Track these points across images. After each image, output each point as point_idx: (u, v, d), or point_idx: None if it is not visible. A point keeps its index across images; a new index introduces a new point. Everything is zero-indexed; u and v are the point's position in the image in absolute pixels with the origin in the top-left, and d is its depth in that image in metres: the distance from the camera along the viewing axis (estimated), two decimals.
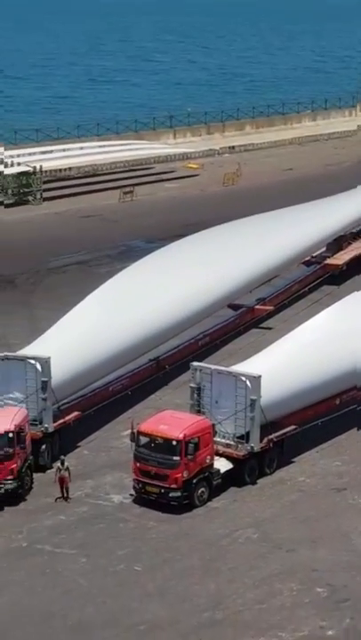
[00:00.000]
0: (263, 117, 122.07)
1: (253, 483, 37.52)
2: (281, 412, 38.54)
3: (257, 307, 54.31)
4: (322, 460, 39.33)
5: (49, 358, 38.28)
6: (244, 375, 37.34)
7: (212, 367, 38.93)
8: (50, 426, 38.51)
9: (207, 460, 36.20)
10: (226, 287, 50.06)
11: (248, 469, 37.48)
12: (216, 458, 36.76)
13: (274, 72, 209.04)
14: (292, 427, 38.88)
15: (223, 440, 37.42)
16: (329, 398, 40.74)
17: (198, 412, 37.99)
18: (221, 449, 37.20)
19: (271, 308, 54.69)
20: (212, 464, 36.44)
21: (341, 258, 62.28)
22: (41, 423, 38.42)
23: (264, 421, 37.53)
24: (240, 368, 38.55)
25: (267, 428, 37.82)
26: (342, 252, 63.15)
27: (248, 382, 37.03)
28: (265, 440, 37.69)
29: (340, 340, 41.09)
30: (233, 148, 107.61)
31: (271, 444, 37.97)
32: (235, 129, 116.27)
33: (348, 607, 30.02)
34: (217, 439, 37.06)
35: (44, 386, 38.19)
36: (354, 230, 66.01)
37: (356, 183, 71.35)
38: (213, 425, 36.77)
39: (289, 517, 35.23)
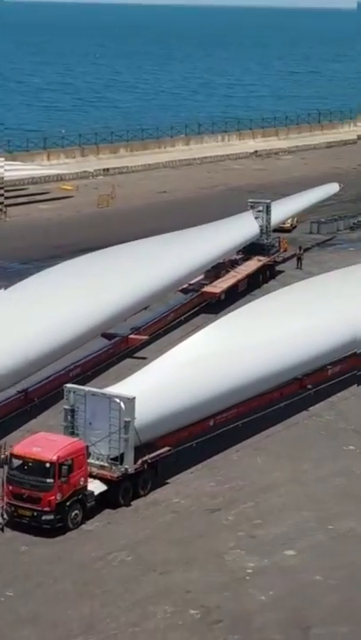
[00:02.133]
0: (137, 140, 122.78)
1: (128, 504, 37.31)
2: (155, 433, 38.47)
3: (131, 336, 53.06)
4: (196, 481, 39.37)
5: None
6: (117, 397, 37.18)
7: (86, 389, 38.66)
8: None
9: (81, 482, 35.88)
10: (99, 315, 48.83)
11: (122, 491, 37.26)
12: (90, 480, 36.47)
13: (144, 97, 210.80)
14: (167, 448, 38.84)
15: (97, 462, 37.16)
16: (203, 419, 40.86)
17: (72, 433, 37.64)
18: (95, 471, 36.92)
19: (146, 337, 53.64)
20: (85, 486, 36.13)
21: (219, 286, 61.45)
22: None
23: (138, 443, 37.40)
24: (114, 390, 38.38)
25: (141, 449, 37.69)
26: (220, 280, 62.31)
27: (122, 404, 36.87)
28: (139, 461, 37.56)
29: (215, 360, 41.26)
30: (107, 170, 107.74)
31: (145, 466, 37.84)
32: (109, 151, 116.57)
33: (220, 628, 30.03)
34: (91, 461, 36.78)
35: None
36: (232, 258, 65.83)
37: (229, 207, 72.23)
38: (87, 447, 36.48)
39: (163, 539, 35.12)
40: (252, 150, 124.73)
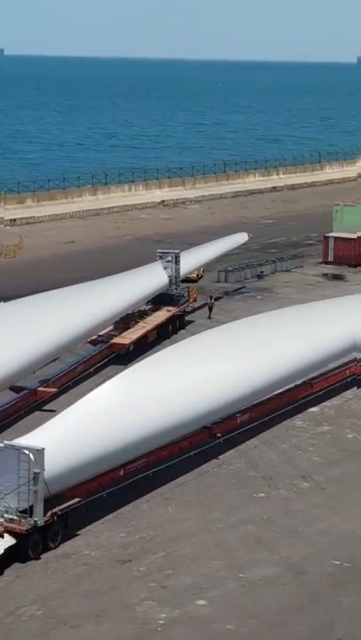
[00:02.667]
0: (44, 191, 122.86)
1: (37, 557, 36.85)
2: (65, 484, 38.16)
3: (40, 389, 52.06)
4: (106, 532, 39.09)
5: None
6: (26, 448, 36.81)
7: None
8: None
9: None
10: (7, 369, 48.12)
11: (32, 544, 36.80)
12: None
13: (49, 148, 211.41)
14: (77, 499, 38.53)
15: (6, 515, 36.67)
16: (113, 469, 40.67)
17: None
18: (4, 524, 36.42)
19: (55, 390, 52.93)
20: None
21: (128, 337, 61.12)
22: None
23: (48, 494, 37.05)
24: (22, 441, 38.00)
25: (50, 500, 37.33)
26: (129, 331, 61.94)
27: (31, 455, 36.51)
28: (49, 513, 37.18)
29: (123, 410, 41.18)
30: (14, 220, 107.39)
31: (55, 518, 37.47)
32: (15, 202, 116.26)
33: None
34: None
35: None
36: (142, 308, 65.53)
37: (137, 257, 72.50)
38: None
39: (74, 592, 34.72)
40: (158, 200, 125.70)
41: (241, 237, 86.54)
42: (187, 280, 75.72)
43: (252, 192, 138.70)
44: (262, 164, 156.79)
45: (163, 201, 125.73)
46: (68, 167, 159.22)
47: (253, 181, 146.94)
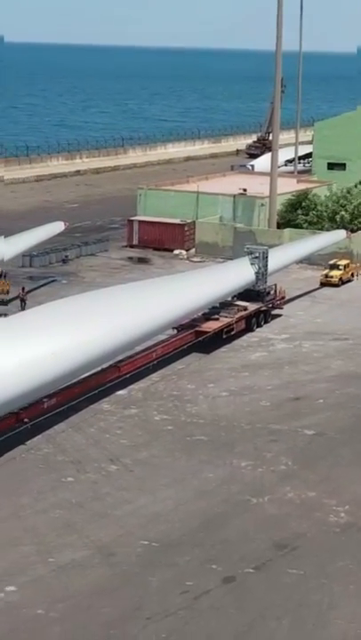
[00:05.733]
0: None
1: None
2: None
3: None
4: None
5: None
6: None
7: None
8: None
9: None
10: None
11: None
12: None
13: None
14: None
15: None
16: None
17: None
18: None
19: None
20: None
21: None
22: None
23: None
24: None
25: None
26: None
27: None
28: None
29: None
30: None
31: None
32: None
33: None
34: None
35: None
36: None
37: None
38: None
39: None
40: None
41: (57, 226, 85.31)
42: None
43: (55, 176, 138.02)
44: (65, 147, 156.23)
45: None
46: None
47: (57, 165, 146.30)
